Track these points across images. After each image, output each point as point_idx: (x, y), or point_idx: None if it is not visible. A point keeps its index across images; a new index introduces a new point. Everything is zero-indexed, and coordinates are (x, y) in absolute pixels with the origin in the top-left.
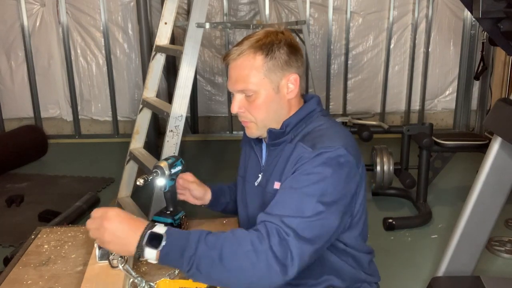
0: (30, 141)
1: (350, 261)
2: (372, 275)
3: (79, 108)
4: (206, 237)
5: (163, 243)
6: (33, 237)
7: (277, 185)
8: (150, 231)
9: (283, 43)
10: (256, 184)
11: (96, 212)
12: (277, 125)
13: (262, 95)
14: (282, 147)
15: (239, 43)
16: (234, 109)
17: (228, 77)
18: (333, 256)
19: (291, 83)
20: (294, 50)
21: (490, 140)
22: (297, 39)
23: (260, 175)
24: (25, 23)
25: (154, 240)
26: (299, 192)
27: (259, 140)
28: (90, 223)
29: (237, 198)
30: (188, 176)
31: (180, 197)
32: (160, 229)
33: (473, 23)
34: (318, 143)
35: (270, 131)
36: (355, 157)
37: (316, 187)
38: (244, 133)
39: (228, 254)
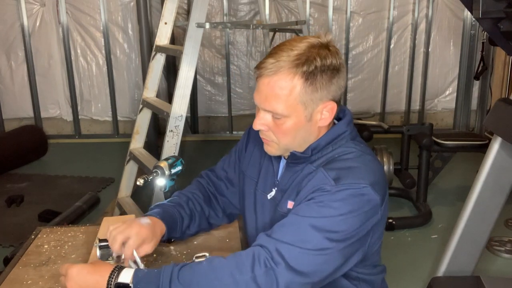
0: (30, 141)
1: (362, 285)
2: None
3: (79, 108)
4: (179, 274)
5: None
6: (33, 237)
7: (290, 204)
8: (116, 283)
9: (327, 66)
10: (269, 197)
11: (61, 270)
12: (300, 149)
13: (292, 121)
14: (302, 166)
15: (276, 54)
16: (257, 126)
17: (256, 88)
18: (344, 281)
19: (326, 110)
20: (337, 73)
21: (490, 140)
22: None
23: (274, 190)
24: (25, 23)
25: None
26: (308, 222)
27: None
28: (61, 280)
29: (245, 203)
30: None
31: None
32: (125, 276)
33: (473, 23)
34: (343, 177)
35: (293, 154)
36: (380, 195)
37: (327, 222)
38: (253, 131)
39: None
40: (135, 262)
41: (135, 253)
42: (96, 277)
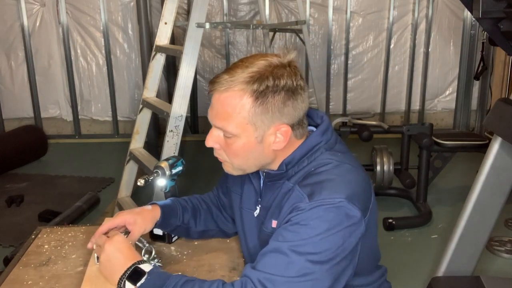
0: (30, 141)
1: None
2: None
3: (79, 108)
4: (183, 285)
5: (142, 280)
6: (33, 237)
7: (274, 223)
8: (135, 266)
9: (281, 87)
10: (255, 215)
11: (111, 232)
12: (256, 168)
13: (242, 141)
14: (281, 183)
15: (232, 70)
16: (209, 143)
17: (211, 103)
18: None
19: (280, 133)
20: (293, 95)
21: (490, 140)
22: (297, 39)
23: (258, 207)
24: (25, 23)
25: (135, 275)
26: (288, 248)
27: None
28: (99, 239)
29: (236, 221)
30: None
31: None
32: (146, 266)
33: (473, 23)
34: (317, 192)
35: (268, 173)
36: (360, 208)
37: (308, 245)
38: None
39: None
40: (141, 242)
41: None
42: (127, 255)
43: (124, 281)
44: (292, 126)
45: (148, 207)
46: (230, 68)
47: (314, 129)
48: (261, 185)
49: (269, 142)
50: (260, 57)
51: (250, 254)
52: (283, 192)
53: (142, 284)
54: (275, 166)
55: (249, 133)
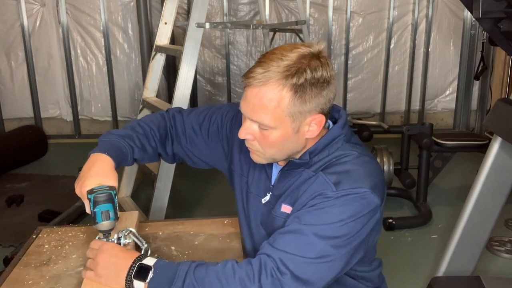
0: (30, 141)
1: (362, 281)
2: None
3: (79, 108)
4: (195, 270)
5: (151, 275)
6: (34, 237)
7: (284, 208)
8: (139, 263)
9: (317, 78)
10: (263, 201)
11: (95, 244)
12: (286, 157)
13: (279, 132)
14: (300, 171)
15: (266, 64)
16: (242, 135)
17: (244, 97)
18: (346, 278)
19: (314, 123)
20: (327, 85)
21: (490, 140)
22: (297, 40)
23: (268, 194)
24: (25, 23)
25: (142, 272)
26: (310, 231)
27: None
28: (88, 253)
29: (237, 202)
30: None
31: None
32: (149, 261)
33: (473, 23)
34: (344, 181)
35: (293, 162)
36: (379, 197)
37: (330, 229)
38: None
39: None
40: (139, 240)
41: (135, 231)
42: (126, 255)
43: (131, 280)
44: (325, 115)
45: (105, 159)
46: (263, 61)
47: (330, 122)
48: (274, 172)
49: (304, 131)
50: (292, 49)
51: (252, 236)
52: (302, 179)
53: (151, 279)
54: (298, 155)
55: (287, 125)
